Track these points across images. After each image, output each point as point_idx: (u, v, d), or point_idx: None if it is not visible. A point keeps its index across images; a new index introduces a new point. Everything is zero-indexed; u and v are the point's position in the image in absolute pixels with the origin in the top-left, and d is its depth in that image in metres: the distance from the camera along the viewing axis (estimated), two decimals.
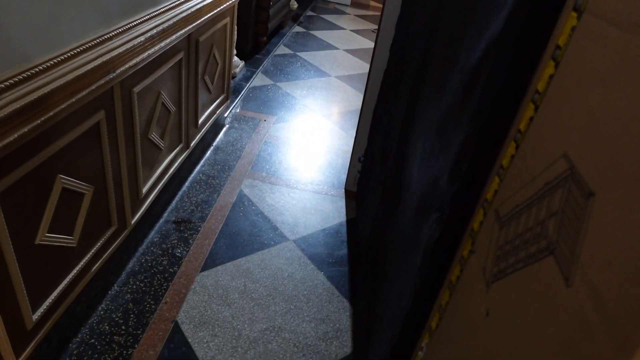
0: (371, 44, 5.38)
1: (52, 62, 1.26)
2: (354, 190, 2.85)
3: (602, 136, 0.54)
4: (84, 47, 1.39)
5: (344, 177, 2.95)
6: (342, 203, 2.77)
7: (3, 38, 1.10)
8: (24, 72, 1.17)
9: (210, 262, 2.14)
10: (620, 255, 0.48)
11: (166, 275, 2.02)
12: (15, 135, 1.14)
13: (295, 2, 6.38)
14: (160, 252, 2.14)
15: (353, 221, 2.62)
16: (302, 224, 2.52)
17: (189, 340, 1.77)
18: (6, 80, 1.12)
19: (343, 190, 2.88)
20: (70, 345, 1.66)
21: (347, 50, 5.25)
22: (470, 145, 0.90)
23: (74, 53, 1.35)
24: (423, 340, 1.11)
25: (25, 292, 1.32)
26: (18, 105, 1.13)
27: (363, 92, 2.56)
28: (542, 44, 0.73)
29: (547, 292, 0.59)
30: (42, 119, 1.23)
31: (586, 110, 0.58)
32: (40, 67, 1.22)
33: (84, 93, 1.38)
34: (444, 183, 1.00)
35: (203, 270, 2.09)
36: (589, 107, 0.58)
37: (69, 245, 1.49)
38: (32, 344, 1.42)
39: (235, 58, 3.98)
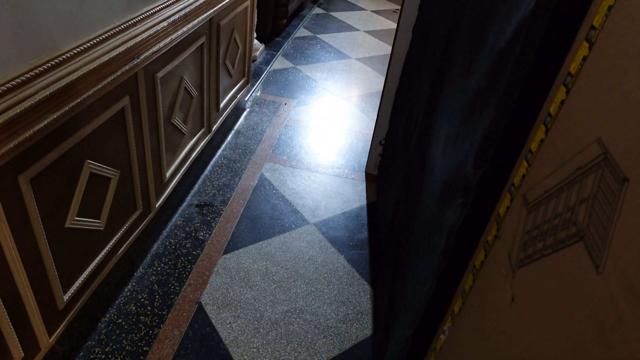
0: (392, 25, 5.30)
1: (79, 49, 1.28)
2: (375, 173, 2.84)
3: (638, 121, 0.53)
4: (110, 33, 1.40)
5: (364, 160, 2.94)
6: (362, 186, 2.77)
7: (32, 26, 1.11)
8: (53, 59, 1.19)
9: (233, 245, 2.17)
10: None
11: (190, 257, 2.06)
12: (46, 122, 1.16)
13: None
14: (183, 235, 2.18)
15: (374, 204, 2.62)
16: (323, 207, 2.53)
17: (213, 321, 1.81)
18: (36, 67, 1.14)
19: (364, 173, 2.87)
20: (99, 324, 1.72)
21: (368, 32, 5.18)
22: (497, 129, 0.88)
23: (100, 39, 1.36)
24: (446, 324, 1.11)
25: (56, 273, 1.36)
26: (48, 92, 1.15)
27: (384, 74, 2.53)
28: (576, 24, 0.70)
29: (577, 279, 0.58)
30: (71, 105, 1.25)
31: (622, 94, 0.56)
32: (69, 54, 1.24)
33: (109, 79, 1.40)
34: (469, 168, 0.99)
35: (225, 252, 2.13)
36: (624, 90, 0.56)
37: (96, 228, 1.54)
38: (64, 323, 1.47)
39: (256, 41, 3.97)
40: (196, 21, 1.94)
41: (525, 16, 0.82)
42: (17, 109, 1.07)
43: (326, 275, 2.11)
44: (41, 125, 1.15)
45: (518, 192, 0.82)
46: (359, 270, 2.18)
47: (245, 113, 3.24)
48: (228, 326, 1.80)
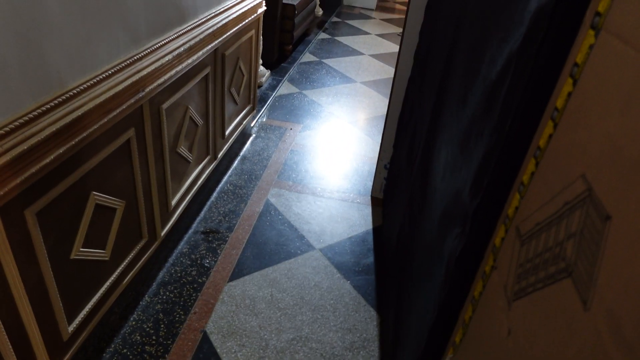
0: (397, 48, 5.36)
1: (85, 85, 1.32)
2: (381, 197, 2.85)
3: (619, 159, 0.53)
4: (116, 68, 1.45)
5: (370, 184, 2.95)
6: (368, 210, 2.77)
7: (40, 64, 1.16)
8: (59, 96, 1.23)
9: (238, 272, 2.18)
10: (636, 281, 0.47)
11: (195, 285, 2.07)
12: (52, 157, 1.20)
13: (320, 9, 6.42)
14: (189, 262, 2.19)
15: (379, 229, 2.61)
16: (329, 232, 2.53)
17: (218, 350, 1.81)
18: (44, 105, 1.18)
19: (369, 197, 2.88)
20: (104, 355, 1.72)
21: (373, 55, 5.25)
22: (491, 159, 0.89)
23: (106, 75, 1.40)
24: (447, 354, 1.10)
25: (61, 304, 1.38)
26: (54, 128, 1.19)
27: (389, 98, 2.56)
28: (561, 60, 0.72)
29: (566, 315, 0.58)
30: (77, 139, 1.28)
31: (604, 131, 0.57)
32: (75, 91, 1.28)
33: (115, 113, 1.44)
34: (465, 197, 1.00)
35: (231, 280, 2.13)
36: (606, 128, 0.57)
37: (102, 258, 1.55)
38: (68, 355, 1.48)
39: (261, 67, 4.04)
40: (201, 52, 1.99)
41: (513, 50, 0.84)
42: (24, 146, 1.10)
43: (332, 301, 2.10)
44: (47, 160, 1.18)
45: (512, 224, 0.83)
46: (365, 296, 2.17)
47: (251, 139, 3.28)
48: (233, 355, 1.80)
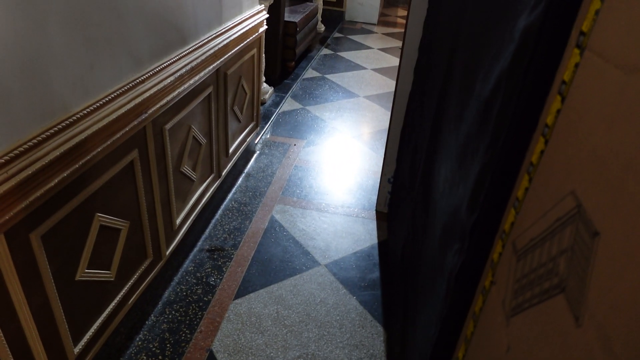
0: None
1: (89, 109, 1.35)
2: (385, 211, 2.85)
3: (606, 176, 0.54)
4: (118, 91, 1.48)
5: (374, 198, 2.95)
6: (373, 225, 2.77)
7: (45, 91, 1.19)
8: (63, 120, 1.26)
9: (243, 290, 2.18)
10: (624, 297, 0.47)
11: (201, 304, 2.07)
12: (56, 180, 1.22)
13: (322, 25, 6.50)
14: (194, 281, 2.20)
15: (385, 243, 2.61)
16: (334, 247, 2.53)
17: None
18: (48, 130, 1.20)
19: (374, 211, 2.88)
20: None
21: (375, 70, 5.29)
22: (486, 176, 0.90)
23: (109, 99, 1.43)
24: None
25: (67, 326, 1.39)
26: (58, 153, 1.21)
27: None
28: (550, 77, 0.73)
29: (560, 331, 0.59)
30: (81, 162, 1.31)
31: (590, 148, 0.58)
32: (78, 115, 1.31)
33: (118, 135, 1.46)
34: (463, 212, 1.01)
35: (236, 298, 2.13)
36: (592, 145, 0.58)
37: (107, 279, 1.57)
38: None
39: (265, 85, 4.09)
40: (203, 73, 2.02)
41: (504, 68, 0.85)
42: (28, 171, 1.13)
43: (338, 318, 2.10)
44: (52, 184, 1.21)
45: (509, 239, 0.83)
46: (371, 311, 2.16)
47: (255, 155, 3.30)
48: None
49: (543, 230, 0.68)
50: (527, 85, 0.77)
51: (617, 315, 0.48)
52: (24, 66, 1.10)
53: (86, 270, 1.44)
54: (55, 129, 1.23)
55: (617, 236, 0.50)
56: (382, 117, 4.10)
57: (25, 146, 1.13)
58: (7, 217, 1.08)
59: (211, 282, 2.20)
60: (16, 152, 1.11)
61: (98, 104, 1.38)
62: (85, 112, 1.33)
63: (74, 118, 1.29)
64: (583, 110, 0.61)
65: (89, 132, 1.32)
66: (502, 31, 0.90)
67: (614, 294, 0.49)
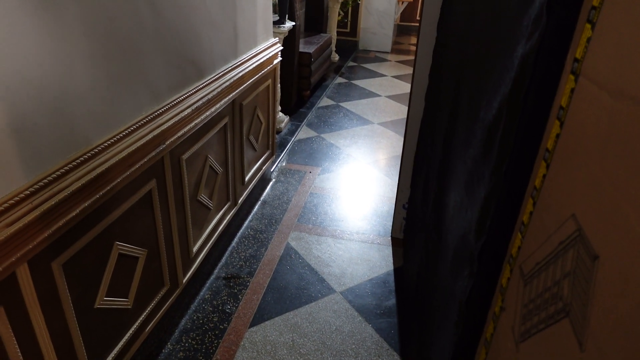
0: None
1: (110, 142, 1.41)
2: (401, 237, 2.84)
3: (602, 200, 0.55)
4: (138, 124, 1.54)
5: (389, 224, 2.95)
6: (388, 251, 2.76)
7: (69, 127, 1.25)
8: (85, 153, 1.31)
9: (259, 317, 2.18)
10: (624, 321, 0.48)
11: (217, 332, 2.08)
12: (78, 210, 1.27)
13: (337, 55, 6.63)
14: (211, 308, 2.21)
15: (400, 270, 2.59)
16: (349, 274, 2.53)
17: None
18: (71, 162, 1.26)
19: (389, 238, 2.87)
20: None
21: (389, 97, 5.35)
22: (491, 201, 0.91)
23: (129, 131, 1.49)
24: None
25: (85, 353, 1.41)
26: (80, 184, 1.26)
27: None
28: (548, 103, 0.75)
29: (566, 357, 0.59)
30: (101, 192, 1.36)
31: (588, 172, 0.59)
32: (100, 147, 1.37)
33: (137, 166, 1.52)
34: (471, 238, 1.01)
35: (252, 325, 2.14)
36: (590, 169, 0.59)
37: (125, 307, 1.60)
38: None
39: (280, 114, 4.17)
40: (219, 104, 2.09)
41: (505, 94, 0.87)
42: (52, 201, 1.18)
43: (354, 346, 2.08)
44: (73, 213, 1.25)
45: (516, 264, 0.83)
46: (387, 339, 2.13)
47: (271, 183, 3.35)
48: None
49: (547, 254, 0.69)
50: (526, 111, 0.79)
51: (617, 339, 0.48)
52: (50, 103, 1.17)
53: (105, 298, 1.47)
54: (78, 161, 1.28)
55: (615, 259, 0.51)
56: (396, 144, 4.13)
57: (50, 178, 1.18)
58: (30, 246, 1.12)
59: (227, 310, 2.21)
60: (41, 183, 1.16)
61: (118, 137, 1.44)
62: (106, 144, 1.39)
63: (96, 150, 1.35)
64: (580, 135, 0.63)
65: (109, 163, 1.38)
66: (502, 59, 0.92)
67: (614, 318, 0.49)
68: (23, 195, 1.10)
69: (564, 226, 0.64)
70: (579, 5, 0.67)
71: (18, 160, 1.10)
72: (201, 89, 1.96)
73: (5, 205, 1.06)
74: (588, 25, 0.63)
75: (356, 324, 2.20)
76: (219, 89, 2.07)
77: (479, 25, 1.25)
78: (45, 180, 1.18)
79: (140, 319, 1.71)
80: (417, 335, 1.76)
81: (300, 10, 4.56)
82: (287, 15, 3.85)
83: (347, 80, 5.91)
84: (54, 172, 1.21)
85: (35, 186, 1.15)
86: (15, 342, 1.13)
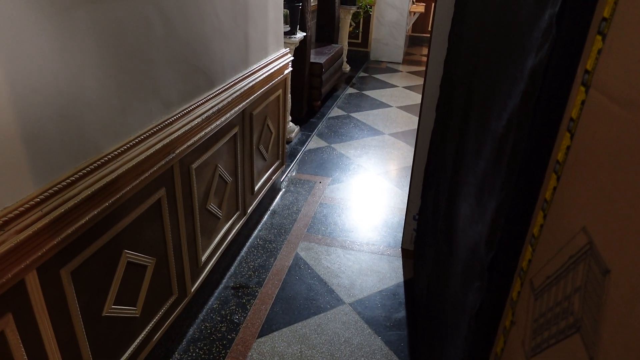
0: None
1: (119, 150, 1.42)
2: (411, 249, 2.81)
3: (613, 212, 0.54)
4: (148, 133, 1.55)
5: (400, 235, 2.93)
6: (398, 263, 2.73)
7: (79, 135, 1.26)
8: (95, 161, 1.33)
9: (267, 328, 2.17)
10: (636, 337, 0.46)
11: (224, 342, 2.07)
12: (87, 218, 1.27)
13: (348, 66, 6.66)
14: (219, 318, 2.20)
15: (411, 281, 2.56)
16: (359, 286, 2.50)
17: None
18: (81, 170, 1.27)
19: (400, 249, 2.85)
20: None
21: (400, 107, 5.34)
22: (502, 213, 0.90)
23: (139, 140, 1.50)
24: None
25: None
26: (90, 192, 1.27)
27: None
28: (559, 115, 0.74)
29: None
30: (111, 200, 1.37)
31: (598, 185, 0.58)
32: (110, 156, 1.38)
33: (147, 174, 1.52)
34: (482, 250, 1.00)
35: (260, 336, 2.12)
36: (600, 181, 0.58)
37: (132, 315, 1.60)
38: None
39: (291, 124, 4.18)
40: (229, 114, 2.10)
41: (515, 105, 0.86)
42: (62, 209, 1.19)
43: (363, 359, 2.05)
44: (83, 221, 1.26)
45: (526, 277, 0.82)
46: (397, 352, 2.10)
47: (280, 193, 3.35)
48: None
49: (558, 267, 0.67)
50: (536, 123, 0.78)
51: (629, 355, 0.47)
52: (61, 111, 1.18)
53: (113, 306, 1.47)
54: (88, 169, 1.29)
55: (626, 273, 0.50)
56: (407, 154, 4.11)
57: (60, 185, 1.19)
58: (39, 254, 1.13)
59: (235, 320, 2.20)
60: (51, 191, 1.17)
61: (128, 145, 1.45)
62: (115, 152, 1.40)
63: (105, 159, 1.36)
64: (590, 147, 0.62)
65: (119, 172, 1.39)
66: (513, 70, 0.91)
67: (626, 333, 0.48)
68: (33, 202, 1.11)
69: (574, 239, 0.63)
70: (589, 17, 0.67)
71: (29, 168, 1.11)
72: (211, 98, 1.97)
73: (16, 212, 1.07)
74: (599, 37, 0.62)
75: (365, 336, 2.17)
76: (229, 99, 2.08)
77: (490, 36, 1.24)
78: (55, 188, 1.19)
79: (148, 327, 1.71)
80: (427, 348, 1.74)
81: (311, 21, 4.59)
82: (298, 26, 3.88)
83: (358, 91, 5.92)
84: (64, 180, 1.22)
85: (46, 193, 1.16)
86: (23, 349, 1.14)
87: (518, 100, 0.85)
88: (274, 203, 3.22)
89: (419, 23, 8.95)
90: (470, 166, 1.27)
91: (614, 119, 0.56)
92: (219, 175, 2.14)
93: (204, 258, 2.10)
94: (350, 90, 5.94)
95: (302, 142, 4.18)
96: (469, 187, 1.24)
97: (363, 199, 3.39)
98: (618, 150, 0.54)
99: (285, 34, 3.65)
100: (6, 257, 1.04)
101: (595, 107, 0.61)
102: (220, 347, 2.04)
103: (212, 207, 2.13)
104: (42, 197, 1.15)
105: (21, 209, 1.08)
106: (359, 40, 7.49)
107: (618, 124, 0.54)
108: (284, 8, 3.58)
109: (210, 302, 2.29)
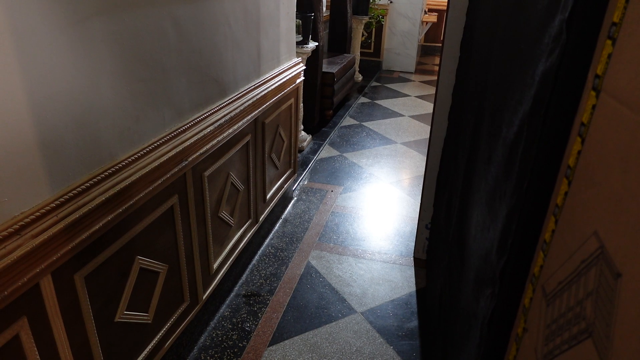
0: None
1: (133, 157, 1.44)
2: (424, 258, 2.79)
3: (625, 216, 0.53)
4: (161, 141, 1.57)
5: (412, 244, 2.91)
6: (411, 272, 2.71)
7: (94, 142, 1.29)
8: (109, 168, 1.35)
9: (278, 336, 2.17)
10: None
11: (235, 350, 2.07)
12: (101, 224, 1.29)
13: (360, 75, 6.68)
14: (230, 326, 2.21)
15: (423, 291, 2.54)
16: (370, 295, 2.49)
17: None
18: (95, 176, 1.29)
19: (412, 258, 2.83)
20: None
21: (413, 116, 5.34)
22: (513, 219, 0.89)
23: (152, 147, 1.53)
24: None
25: None
26: (104, 198, 1.29)
27: None
28: (569, 119, 0.73)
29: None
30: (124, 207, 1.39)
31: (609, 189, 0.58)
32: (123, 163, 1.40)
33: (160, 181, 1.54)
34: (493, 257, 0.99)
35: (271, 344, 2.12)
36: (611, 185, 0.57)
37: (144, 322, 1.61)
38: None
39: (303, 133, 4.20)
40: (241, 122, 2.12)
41: (526, 111, 0.86)
42: (76, 214, 1.21)
43: None
44: (97, 227, 1.28)
45: (538, 283, 0.81)
46: None
47: (292, 202, 3.36)
48: None
49: (570, 272, 0.67)
50: (547, 128, 0.78)
51: None
52: (77, 119, 1.21)
53: (125, 312, 1.49)
54: (102, 175, 1.31)
55: (638, 277, 0.49)
56: (419, 163, 4.10)
57: (75, 191, 1.21)
58: (54, 258, 1.15)
59: (246, 328, 2.20)
60: (66, 196, 1.19)
61: (142, 153, 1.47)
62: (129, 160, 1.42)
63: (119, 166, 1.38)
64: (601, 152, 0.61)
65: (132, 178, 1.41)
66: (524, 75, 0.91)
67: (638, 337, 0.47)
68: (49, 207, 1.13)
69: (586, 244, 0.62)
70: (599, 21, 0.66)
71: (45, 173, 1.14)
72: (224, 107, 1.99)
73: (32, 217, 1.09)
74: (609, 42, 0.62)
75: (377, 346, 2.15)
76: (242, 107, 2.11)
77: (501, 43, 1.24)
78: (71, 194, 1.21)
79: (160, 334, 1.72)
80: (440, 358, 1.72)
81: (323, 31, 4.63)
82: (310, 36, 3.91)
83: (370, 100, 5.93)
84: (79, 186, 1.24)
85: (61, 199, 1.18)
86: (37, 352, 1.15)
87: (529, 106, 0.85)
88: (286, 211, 3.23)
89: (432, 32, 8.96)
90: (481, 173, 1.26)
91: (625, 123, 0.55)
92: (231, 183, 2.16)
93: (215, 265, 2.11)
94: (362, 99, 5.96)
95: (314, 151, 4.19)
96: (480, 193, 1.23)
97: (375, 207, 3.39)
98: (629, 154, 0.53)
99: (298, 43, 3.69)
100: (22, 261, 1.06)
101: (606, 111, 0.61)
102: (232, 355, 2.04)
103: (224, 214, 2.14)
104: (57, 202, 1.17)
105: (37, 213, 1.10)
106: (372, 50, 7.52)
107: (629, 128, 0.54)
108: (297, 18, 3.62)
109: (221, 310, 2.30)
